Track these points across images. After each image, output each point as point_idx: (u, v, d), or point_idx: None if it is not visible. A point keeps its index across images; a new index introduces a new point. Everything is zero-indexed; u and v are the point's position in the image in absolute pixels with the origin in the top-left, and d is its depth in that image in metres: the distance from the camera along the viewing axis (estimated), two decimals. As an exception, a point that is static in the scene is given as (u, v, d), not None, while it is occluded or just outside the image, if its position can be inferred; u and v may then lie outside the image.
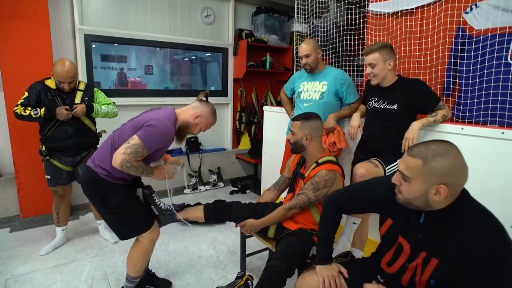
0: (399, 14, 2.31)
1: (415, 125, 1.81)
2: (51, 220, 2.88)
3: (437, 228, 1.06)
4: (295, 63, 3.11)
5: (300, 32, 4.17)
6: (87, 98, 2.36)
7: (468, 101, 1.98)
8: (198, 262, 2.35)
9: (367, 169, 1.79)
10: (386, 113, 1.92)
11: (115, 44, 3.42)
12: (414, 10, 2.22)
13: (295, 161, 1.95)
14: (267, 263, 1.54)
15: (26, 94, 2.24)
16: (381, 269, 1.27)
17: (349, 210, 1.41)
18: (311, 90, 2.41)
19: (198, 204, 2.05)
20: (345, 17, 2.85)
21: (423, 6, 2.17)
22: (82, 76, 3.03)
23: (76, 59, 3.04)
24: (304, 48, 2.29)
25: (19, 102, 2.22)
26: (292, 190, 1.89)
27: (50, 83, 2.27)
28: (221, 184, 4.10)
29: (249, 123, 4.34)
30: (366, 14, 2.59)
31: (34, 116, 2.19)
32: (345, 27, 2.83)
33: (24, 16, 2.57)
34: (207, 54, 4.19)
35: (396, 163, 1.91)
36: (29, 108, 2.20)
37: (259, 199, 2.06)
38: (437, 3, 2.09)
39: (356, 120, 2.13)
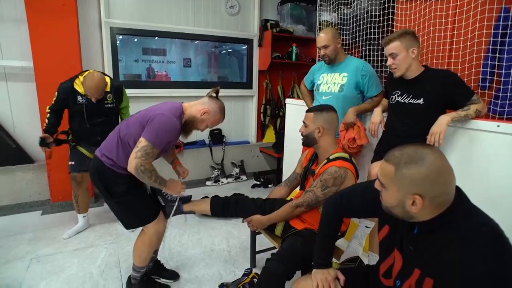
0: (433, -3, 2.06)
1: (444, 119, 1.60)
2: (78, 206, 3.05)
3: (427, 241, 0.91)
4: (318, 54, 2.94)
5: (327, 21, 3.96)
6: (114, 100, 2.47)
7: (509, 95, 1.72)
8: (209, 256, 2.34)
9: (382, 169, 1.63)
10: (411, 108, 1.73)
11: (155, 38, 3.49)
12: (450, -8, 1.97)
13: (307, 156, 1.84)
14: (266, 263, 1.47)
15: (56, 96, 2.36)
16: (380, 280, 1.14)
17: (349, 213, 1.29)
18: (330, 82, 2.26)
19: (205, 197, 2.02)
20: (379, 6, 2.63)
21: (460, -14, 1.91)
22: (108, 69, 3.14)
23: (102, 51, 3.14)
24: (322, 38, 2.14)
25: (49, 106, 2.39)
26: (302, 187, 1.79)
27: (79, 87, 2.35)
28: (244, 177, 4.07)
29: (274, 116, 4.23)
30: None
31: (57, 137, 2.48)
32: (378, 16, 2.61)
33: (53, 11, 2.69)
34: (234, 46, 4.13)
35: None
36: (50, 123, 2.40)
37: (269, 195, 1.98)
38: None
39: (378, 115, 1.96)
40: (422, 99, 1.69)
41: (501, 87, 1.74)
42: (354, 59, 2.23)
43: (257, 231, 2.05)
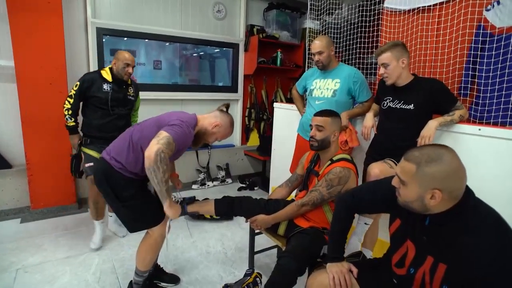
0: (416, 11, 2.25)
1: (432, 124, 1.77)
2: (60, 212, 2.92)
3: (440, 231, 1.03)
4: (307, 60, 3.07)
5: (312, 28, 4.13)
6: (134, 94, 2.55)
7: (487, 102, 1.93)
8: (206, 258, 2.35)
9: (381, 170, 1.76)
10: (402, 113, 1.87)
11: (125, 38, 3.40)
12: (432, 7, 2.17)
13: (309, 158, 1.92)
14: (277, 261, 1.53)
15: (77, 85, 2.32)
16: (392, 270, 1.25)
17: (360, 210, 1.39)
18: (323, 87, 2.37)
19: (206, 199, 2.05)
20: (358, 14, 2.81)
21: (441, 3, 2.11)
22: (93, 69, 3.04)
23: (88, 52, 3.04)
24: (317, 44, 2.25)
25: (71, 100, 2.32)
26: (305, 187, 1.86)
27: (107, 75, 2.38)
28: (229, 180, 4.09)
29: (258, 120, 4.31)
30: (381, 11, 2.54)
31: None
32: (358, 24, 2.78)
33: (38, 9, 2.58)
34: (216, 50, 4.16)
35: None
36: (73, 122, 2.36)
37: (270, 195, 2.04)
38: (457, 0, 2.03)
39: (370, 120, 2.09)
40: (412, 104, 1.84)
41: (481, 95, 1.94)
42: (346, 66, 2.36)
43: (258, 231, 2.10)
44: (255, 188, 3.95)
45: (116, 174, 1.59)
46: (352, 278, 1.29)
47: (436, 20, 2.16)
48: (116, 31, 3.15)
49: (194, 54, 4.13)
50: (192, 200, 1.91)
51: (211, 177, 4.00)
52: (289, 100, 4.52)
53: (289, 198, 2.03)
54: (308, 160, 1.92)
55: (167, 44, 3.73)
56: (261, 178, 4.12)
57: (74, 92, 2.32)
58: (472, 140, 1.78)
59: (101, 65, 3.12)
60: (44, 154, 2.75)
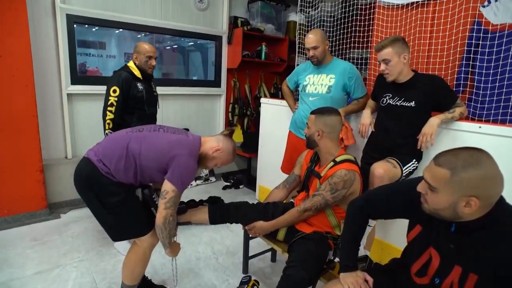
0: (411, 6, 2.21)
1: (434, 121, 1.73)
2: (28, 220, 2.64)
3: (471, 239, 0.96)
4: (297, 55, 2.97)
5: (302, 25, 4.04)
6: (156, 90, 2.48)
7: (481, 99, 1.93)
8: (197, 265, 2.20)
9: (385, 169, 1.70)
10: (403, 110, 1.82)
11: (93, 29, 3.08)
12: (427, 2, 2.13)
13: (307, 158, 1.82)
14: (284, 271, 1.41)
15: (117, 91, 2.14)
16: (411, 279, 1.18)
17: (375, 215, 1.32)
18: (317, 83, 2.28)
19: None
20: (344, 8, 2.76)
21: (438, -2, 2.08)
22: (64, 63, 2.75)
23: (57, 42, 2.73)
24: (312, 39, 2.15)
25: (111, 103, 2.14)
26: (305, 188, 1.76)
27: (137, 72, 2.26)
28: (213, 178, 3.93)
29: (242, 115, 4.17)
30: (373, 5, 2.48)
31: None
32: (348, 19, 2.73)
33: (-4, -10, 2.26)
34: (198, 42, 3.95)
35: (412, 162, 1.84)
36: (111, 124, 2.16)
37: (266, 198, 1.92)
38: (454, -4, 2.01)
39: (367, 117, 2.03)
40: (413, 102, 1.79)
41: (477, 91, 1.93)
42: (341, 61, 2.28)
43: (251, 236, 1.99)
44: (241, 186, 3.82)
45: (102, 178, 1.42)
46: (368, 288, 1.21)
47: (431, 15, 2.13)
48: (89, 19, 2.85)
49: (175, 46, 3.89)
50: (184, 210, 1.74)
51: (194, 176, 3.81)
52: (273, 95, 4.42)
53: (285, 201, 1.93)
54: (307, 160, 1.82)
55: (140, 35, 3.45)
56: (246, 176, 3.99)
57: (116, 99, 2.13)
58: (473, 138, 1.76)
59: (73, 58, 2.82)
60: (6, 155, 2.45)
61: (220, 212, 1.77)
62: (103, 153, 1.44)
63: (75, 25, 2.80)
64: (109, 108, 2.13)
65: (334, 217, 1.64)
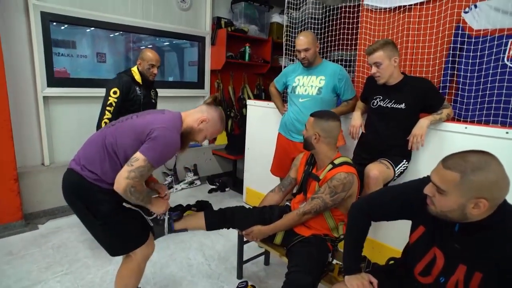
0: (398, 11, 2.27)
1: (424, 122, 1.78)
2: (2, 233, 2.45)
3: (476, 239, 1.00)
4: (284, 56, 2.96)
5: (279, 23, 4.04)
6: (155, 97, 2.52)
7: (466, 101, 2.01)
8: (189, 272, 2.13)
9: (380, 171, 1.73)
10: (393, 112, 1.86)
11: (62, 27, 2.86)
12: (412, 6, 2.20)
13: (303, 161, 1.82)
14: (287, 276, 1.40)
15: (117, 92, 2.15)
16: (415, 279, 1.20)
17: (377, 217, 1.33)
18: (307, 85, 2.29)
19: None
20: (327, 12, 2.80)
21: (422, 3, 2.15)
22: (39, 63, 2.58)
23: (30, 40, 2.56)
24: (304, 41, 2.15)
25: (110, 103, 2.14)
26: (303, 191, 1.75)
27: (138, 76, 2.29)
28: (198, 182, 3.85)
29: (225, 117, 4.11)
30: (359, 8, 2.53)
31: None
32: (334, 22, 2.77)
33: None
34: (165, 43, 3.83)
35: (403, 163, 1.88)
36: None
37: (261, 201, 1.90)
38: (437, 1, 2.08)
39: (358, 119, 2.06)
40: (404, 104, 1.84)
41: (461, 93, 2.02)
42: (330, 63, 2.31)
43: (245, 240, 1.96)
44: (227, 189, 3.77)
45: (90, 186, 1.34)
46: (373, 290, 1.23)
47: (417, 20, 2.20)
48: (66, 17, 2.69)
49: (150, 46, 3.69)
50: (179, 216, 1.68)
51: (179, 180, 3.72)
52: (256, 97, 4.41)
53: (281, 204, 1.91)
54: (303, 163, 1.82)
55: (113, 34, 3.26)
56: (232, 179, 3.95)
57: (115, 100, 2.15)
58: (459, 138, 1.84)
59: (49, 58, 2.65)
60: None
61: (216, 218, 1.73)
62: (85, 159, 1.35)
63: (50, 24, 2.63)
64: (107, 108, 2.13)
65: (332, 219, 1.64)
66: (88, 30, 3.05)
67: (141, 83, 2.32)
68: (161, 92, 3.44)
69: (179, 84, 3.78)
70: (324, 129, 1.62)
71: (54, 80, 2.71)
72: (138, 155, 1.28)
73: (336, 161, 1.61)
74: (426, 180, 1.07)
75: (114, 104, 2.14)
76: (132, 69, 2.32)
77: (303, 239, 1.60)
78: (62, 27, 2.87)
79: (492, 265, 0.96)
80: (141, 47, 3.70)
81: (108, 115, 2.12)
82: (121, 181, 1.26)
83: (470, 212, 0.94)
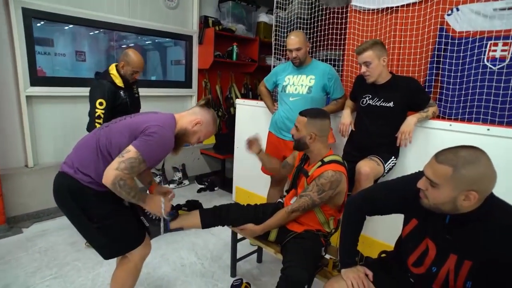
0: (385, 12, 2.34)
1: (411, 120, 1.85)
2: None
3: (466, 229, 1.06)
4: (273, 56, 2.99)
5: (266, 22, 4.07)
6: (137, 90, 2.46)
7: (450, 99, 2.11)
8: (182, 272, 2.13)
9: (371, 168, 1.79)
10: (382, 110, 1.92)
11: (38, 24, 2.73)
12: (399, 8, 2.27)
13: (300, 155, 1.84)
14: (282, 272, 1.42)
15: (103, 102, 2.10)
16: (408, 269, 1.26)
17: (372, 212, 1.38)
18: (297, 84, 2.32)
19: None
20: (315, 13, 2.85)
21: (408, 5, 2.23)
22: (21, 61, 2.49)
23: (11, 38, 2.46)
24: (295, 41, 2.18)
25: (99, 115, 2.10)
26: (294, 186, 1.78)
27: (119, 81, 2.21)
28: (186, 182, 3.83)
29: (214, 118, 4.11)
30: (346, 9, 2.58)
31: None
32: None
33: None
34: (147, 42, 3.77)
35: (391, 159, 1.95)
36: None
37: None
38: (422, 4, 2.16)
39: (348, 117, 2.11)
40: (392, 102, 1.90)
41: (445, 92, 2.11)
42: (320, 62, 2.35)
43: (240, 237, 1.98)
44: (216, 189, 3.76)
45: (85, 190, 1.32)
46: (369, 282, 1.27)
47: (403, 21, 2.27)
48: (49, 14, 2.60)
49: (132, 45, 3.64)
50: (175, 215, 1.68)
51: (168, 180, 3.68)
52: (244, 96, 4.41)
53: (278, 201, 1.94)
54: (299, 158, 1.84)
55: (93, 32, 3.17)
56: (220, 178, 3.95)
57: (103, 111, 2.10)
58: (445, 135, 1.92)
59: (32, 57, 2.56)
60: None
61: (212, 216, 1.74)
62: (79, 162, 1.33)
63: (32, 20, 2.54)
64: (97, 121, 2.10)
65: (322, 214, 1.67)
66: (66, 28, 2.95)
67: (123, 86, 2.24)
68: (145, 91, 3.42)
69: (165, 84, 3.74)
70: (320, 128, 1.64)
71: (37, 79, 2.62)
72: (130, 147, 1.27)
73: (326, 159, 1.63)
74: (419, 175, 1.12)
75: (102, 116, 2.11)
76: (112, 72, 2.20)
77: (297, 235, 1.63)
78: (38, 24, 2.74)
79: (481, 254, 1.02)
80: (123, 46, 3.64)
81: (98, 126, 2.06)
82: (110, 172, 1.23)
83: (461, 204, 0.99)
